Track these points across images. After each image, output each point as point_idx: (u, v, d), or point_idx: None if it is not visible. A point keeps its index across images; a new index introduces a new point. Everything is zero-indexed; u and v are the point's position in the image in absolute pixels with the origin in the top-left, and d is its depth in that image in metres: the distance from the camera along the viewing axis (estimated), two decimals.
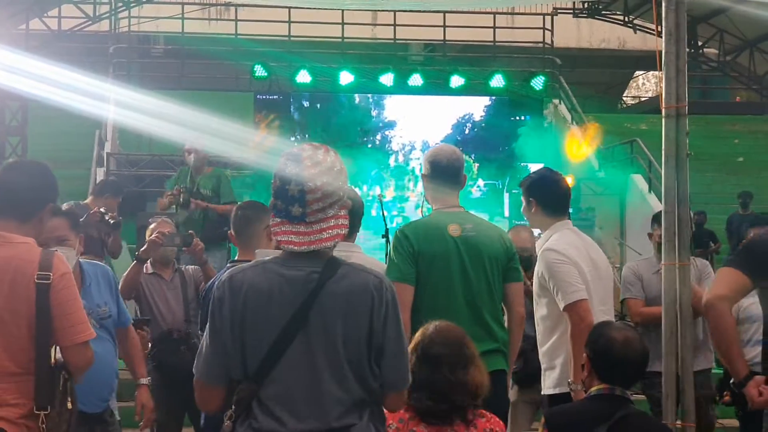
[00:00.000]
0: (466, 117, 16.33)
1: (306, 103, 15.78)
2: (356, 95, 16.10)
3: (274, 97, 15.67)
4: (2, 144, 12.61)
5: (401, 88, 15.50)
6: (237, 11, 19.02)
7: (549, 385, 4.36)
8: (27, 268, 3.19)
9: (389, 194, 15.00)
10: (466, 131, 16.11)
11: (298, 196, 2.69)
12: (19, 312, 3.17)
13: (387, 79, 15.30)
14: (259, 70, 15.19)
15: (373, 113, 16.30)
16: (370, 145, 15.96)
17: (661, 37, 4.42)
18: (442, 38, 18.44)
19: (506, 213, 14.18)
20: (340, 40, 17.98)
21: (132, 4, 16.55)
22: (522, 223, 6.83)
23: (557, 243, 4.40)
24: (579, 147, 15.18)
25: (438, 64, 18.01)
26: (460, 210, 4.40)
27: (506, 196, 14.86)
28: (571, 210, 5.47)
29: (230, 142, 10.10)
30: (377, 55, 17.75)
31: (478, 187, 15.19)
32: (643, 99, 27.78)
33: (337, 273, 2.70)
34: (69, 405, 3.27)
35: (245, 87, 16.49)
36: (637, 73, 27.60)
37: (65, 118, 12.69)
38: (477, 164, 15.24)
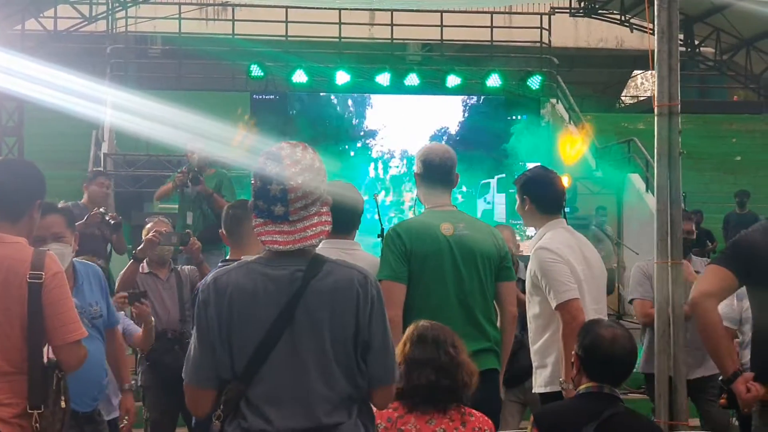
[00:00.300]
0: (461, 116, 16.32)
1: (293, 111, 15.74)
2: (349, 98, 16.07)
3: (270, 97, 15.66)
4: None
5: (398, 88, 15.50)
6: (234, 11, 19.02)
7: (540, 383, 4.36)
8: (19, 268, 3.19)
9: (387, 200, 15.01)
10: (459, 130, 16.09)
11: (280, 196, 2.69)
12: (11, 311, 3.18)
13: (383, 78, 15.30)
14: (256, 70, 15.19)
15: (366, 114, 16.28)
16: (359, 143, 15.93)
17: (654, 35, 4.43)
18: (439, 38, 18.45)
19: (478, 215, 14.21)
20: (337, 40, 17.99)
21: (129, 5, 16.53)
22: (503, 223, 6.88)
23: (550, 242, 4.40)
24: (573, 146, 15.19)
25: (435, 63, 18.01)
26: (453, 209, 4.40)
27: (479, 202, 14.90)
28: (567, 209, 5.47)
29: (223, 143, 10.11)
30: (374, 55, 17.75)
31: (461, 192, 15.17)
32: (641, 98, 27.76)
33: (322, 270, 2.70)
34: (62, 404, 3.27)
35: (242, 87, 16.50)
36: (635, 72, 27.61)
37: (62, 119, 12.68)
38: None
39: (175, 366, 5.13)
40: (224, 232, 4.43)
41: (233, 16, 18.74)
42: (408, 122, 15.55)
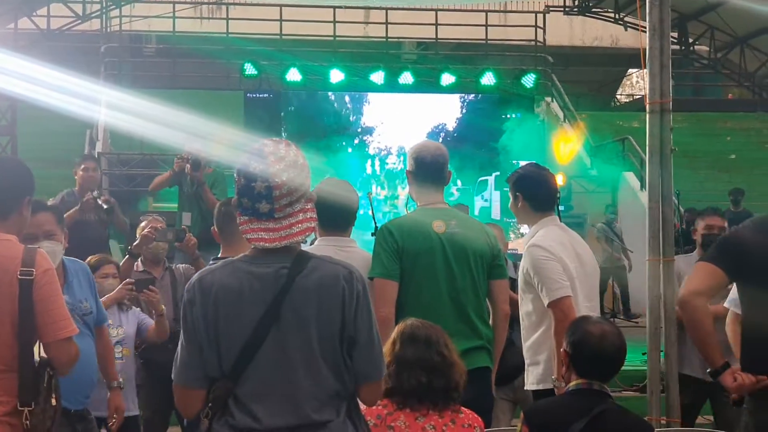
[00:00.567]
0: (459, 113, 16.33)
1: (291, 108, 15.75)
2: (347, 95, 16.08)
3: (264, 95, 15.65)
4: None
5: (392, 86, 15.50)
6: (228, 10, 19.00)
7: (532, 381, 4.36)
8: (10, 265, 3.19)
9: (381, 194, 15.02)
10: (450, 130, 16.10)
11: (265, 193, 2.68)
12: (2, 308, 3.17)
13: (378, 77, 15.30)
14: (249, 69, 15.17)
15: (363, 110, 16.28)
16: (356, 140, 15.93)
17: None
18: (434, 36, 18.45)
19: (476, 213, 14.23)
20: (331, 38, 17.98)
21: (123, 3, 16.52)
22: (492, 222, 6.88)
23: (543, 239, 4.39)
24: (567, 145, 15.21)
25: (430, 62, 18.01)
26: (445, 206, 4.40)
27: (476, 199, 14.89)
28: (562, 207, 5.47)
29: (219, 142, 10.10)
30: (369, 54, 17.74)
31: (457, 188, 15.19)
32: (636, 97, 27.78)
33: (307, 267, 2.69)
34: (53, 401, 3.26)
35: (236, 86, 16.49)
36: (631, 71, 27.64)
37: (55, 118, 12.66)
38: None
39: (168, 364, 5.11)
40: (216, 230, 4.42)
41: (227, 15, 18.72)
42: (405, 119, 15.57)
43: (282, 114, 15.74)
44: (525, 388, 4.47)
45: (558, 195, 4.83)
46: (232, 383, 2.66)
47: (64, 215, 7.28)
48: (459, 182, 14.31)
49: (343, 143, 15.62)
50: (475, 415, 3.32)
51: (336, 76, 15.12)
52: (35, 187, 3.45)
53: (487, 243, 4.31)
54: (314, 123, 15.31)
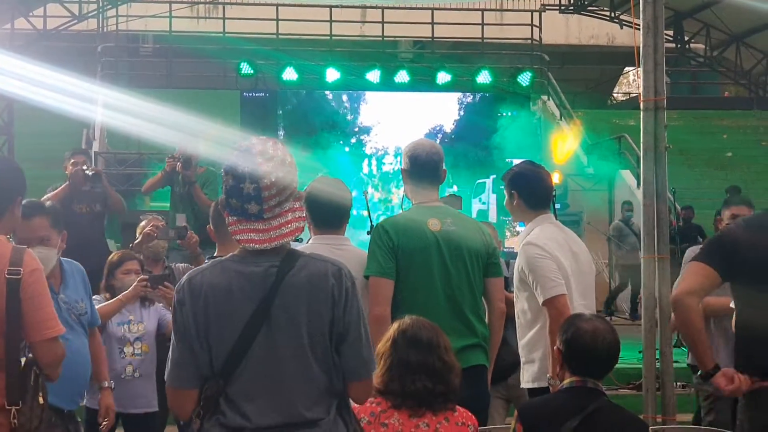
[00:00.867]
0: (456, 114, 16.33)
1: (289, 106, 15.75)
2: (345, 93, 16.07)
3: (260, 94, 15.64)
4: None
5: (388, 85, 15.49)
6: (225, 9, 18.99)
7: (528, 379, 4.35)
8: None
9: (375, 196, 15.00)
10: (448, 129, 16.09)
11: (254, 194, 2.66)
12: None
13: (374, 76, 15.29)
14: (245, 68, 15.16)
15: (361, 110, 16.27)
16: (353, 139, 15.91)
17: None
18: (430, 35, 18.45)
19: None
20: (328, 37, 17.98)
21: (119, 3, 16.49)
22: (485, 221, 6.87)
23: (538, 237, 4.39)
24: (565, 145, 15.21)
25: (426, 61, 18.01)
26: (440, 204, 4.40)
27: (474, 201, 14.86)
28: (558, 205, 5.46)
29: (216, 141, 10.10)
30: (366, 53, 17.75)
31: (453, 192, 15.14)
32: (632, 95, 27.80)
33: (296, 265, 2.69)
34: (40, 400, 3.25)
35: (233, 85, 16.48)
36: (627, 69, 27.63)
37: (52, 118, 12.65)
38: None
39: (166, 363, 5.12)
40: (212, 228, 4.41)
41: (224, 14, 18.72)
42: (403, 119, 15.57)
43: (280, 112, 15.74)
44: (521, 386, 4.47)
45: (554, 193, 4.83)
46: (224, 382, 2.65)
47: (53, 193, 7.38)
48: (455, 186, 14.27)
49: (341, 142, 15.62)
50: (469, 414, 3.31)
51: (332, 75, 15.12)
52: (27, 186, 3.45)
53: (482, 241, 4.31)
54: (311, 122, 15.30)
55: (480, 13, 18.40)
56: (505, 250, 9.28)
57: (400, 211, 4.75)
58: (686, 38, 19.03)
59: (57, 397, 3.62)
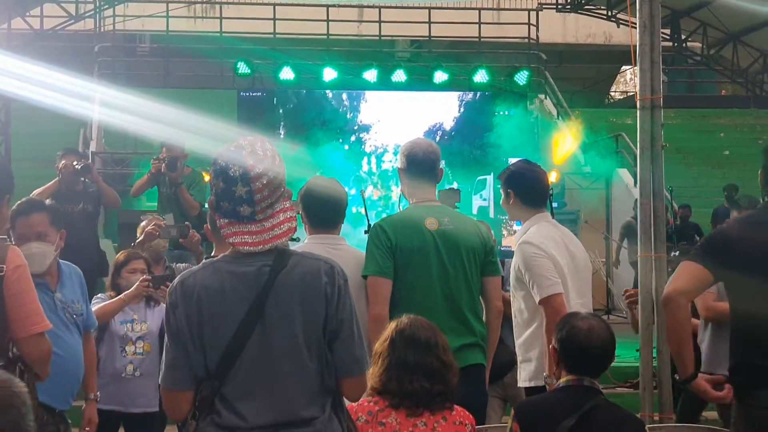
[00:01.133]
0: (456, 112, 16.32)
1: (290, 105, 15.72)
2: (344, 92, 16.06)
3: (257, 94, 15.63)
4: None
5: (385, 84, 15.47)
6: (222, 9, 19.00)
7: (524, 378, 4.35)
8: None
9: (375, 194, 14.98)
10: (447, 128, 16.08)
11: (246, 197, 2.66)
12: None
13: (370, 75, 15.28)
14: (242, 67, 15.14)
15: (360, 108, 16.26)
16: (352, 137, 15.90)
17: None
18: (427, 35, 18.45)
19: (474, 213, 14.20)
20: (325, 37, 17.98)
21: (116, 2, 16.48)
22: (487, 220, 6.89)
23: (534, 236, 4.39)
24: (563, 145, 15.21)
25: (424, 60, 18.01)
26: (437, 203, 4.41)
27: (474, 198, 14.84)
28: (555, 204, 5.45)
29: (211, 140, 10.09)
30: (363, 52, 17.74)
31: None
32: (630, 94, 27.80)
33: (288, 263, 2.69)
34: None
35: (230, 85, 16.48)
36: (624, 68, 27.64)
37: (49, 117, 12.64)
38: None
39: None
40: (209, 228, 4.40)
41: (221, 14, 18.72)
42: (402, 118, 15.55)
43: (281, 111, 15.72)
44: (518, 385, 4.47)
45: (550, 191, 4.83)
46: (219, 382, 2.65)
47: (40, 190, 7.38)
48: (455, 183, 14.26)
49: (340, 140, 15.60)
50: (467, 413, 3.31)
51: (329, 74, 15.09)
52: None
53: (480, 240, 4.32)
54: (311, 120, 15.28)
55: (477, 12, 18.41)
56: (501, 248, 9.26)
57: (399, 208, 4.75)
58: (683, 37, 19.06)
59: (49, 396, 3.61)
